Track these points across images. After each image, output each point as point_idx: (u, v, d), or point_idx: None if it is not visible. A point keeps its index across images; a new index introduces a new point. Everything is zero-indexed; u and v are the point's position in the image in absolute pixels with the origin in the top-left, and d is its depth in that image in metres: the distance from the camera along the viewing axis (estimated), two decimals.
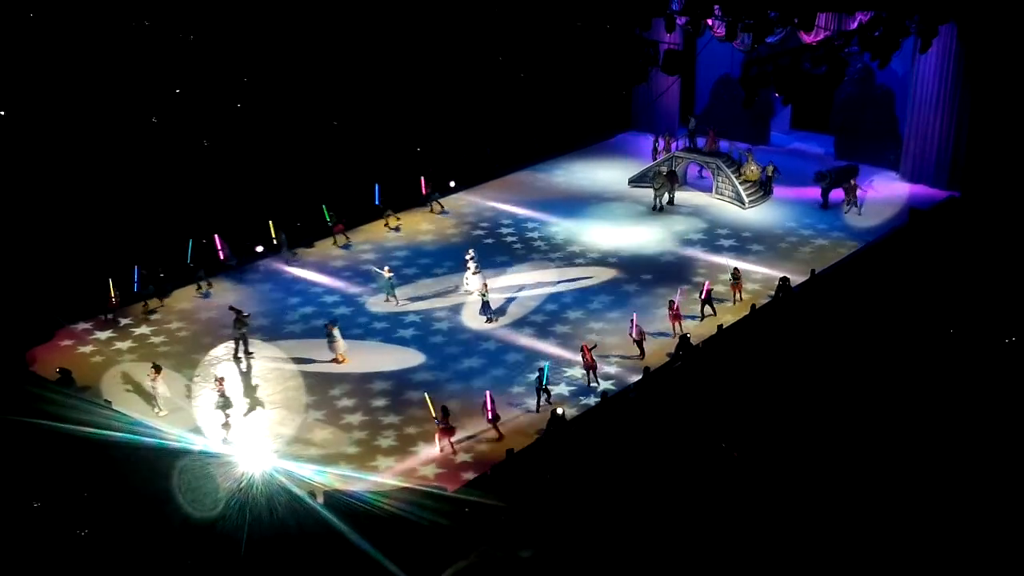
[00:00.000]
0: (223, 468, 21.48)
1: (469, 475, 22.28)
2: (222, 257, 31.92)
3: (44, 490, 21.05)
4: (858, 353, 26.36)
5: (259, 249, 33.09)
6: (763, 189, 38.65)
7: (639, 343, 26.95)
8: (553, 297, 30.90)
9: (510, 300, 30.60)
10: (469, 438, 23.76)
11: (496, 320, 29.17)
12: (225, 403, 24.01)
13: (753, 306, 29.21)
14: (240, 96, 36.34)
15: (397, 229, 36.08)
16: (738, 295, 30.03)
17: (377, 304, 30.51)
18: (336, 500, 20.55)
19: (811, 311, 28.87)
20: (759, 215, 37.44)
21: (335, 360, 26.99)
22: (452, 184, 39.35)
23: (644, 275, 32.40)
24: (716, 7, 36.20)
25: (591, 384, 25.67)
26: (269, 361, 27.33)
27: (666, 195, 38.19)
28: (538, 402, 24.68)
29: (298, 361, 27.26)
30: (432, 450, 23.29)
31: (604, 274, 32.59)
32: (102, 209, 31.88)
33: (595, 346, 26.10)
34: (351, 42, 38.25)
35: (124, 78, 33.44)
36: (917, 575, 19.14)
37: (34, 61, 31.90)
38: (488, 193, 40.05)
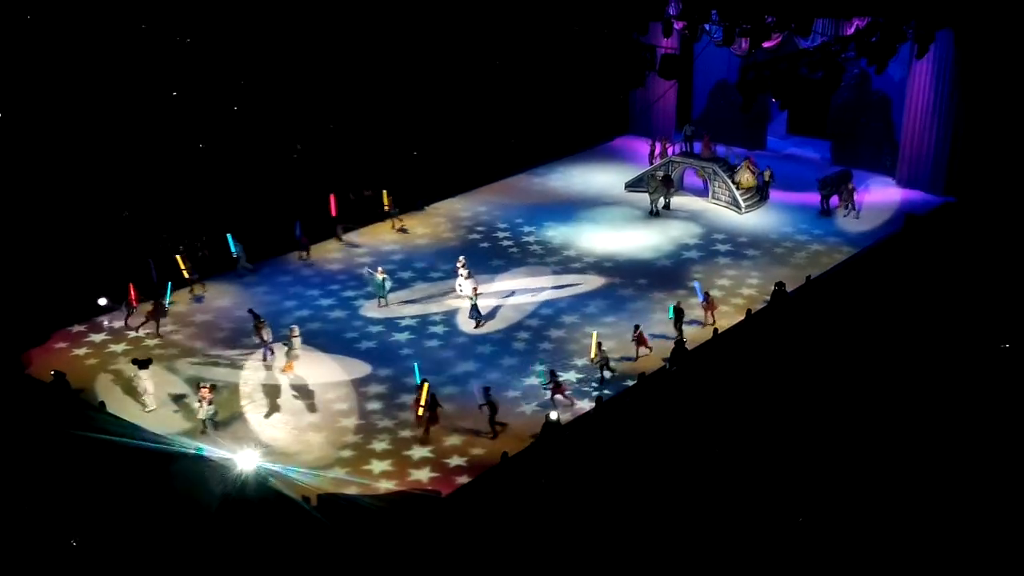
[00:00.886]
0: (217, 470, 21.47)
1: (463, 479, 22.25)
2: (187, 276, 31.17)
3: (40, 495, 21.03)
4: (854, 358, 26.38)
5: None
6: (760, 194, 38.67)
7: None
8: (548, 301, 30.89)
9: (498, 307, 30.55)
10: (464, 440, 23.77)
11: (483, 323, 29.09)
12: (212, 411, 23.84)
13: (749, 311, 29.21)
14: (234, 99, 36.32)
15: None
16: (710, 316, 28.79)
17: (371, 309, 30.47)
18: (330, 503, 20.51)
19: (807, 316, 28.88)
20: (755, 220, 37.46)
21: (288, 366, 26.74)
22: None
23: (640, 279, 32.40)
24: (713, 12, 36.25)
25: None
26: (264, 365, 27.32)
27: (662, 200, 38.21)
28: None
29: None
30: (424, 451, 23.32)
31: (600, 278, 32.58)
32: (96, 211, 31.86)
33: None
34: (346, 46, 38.23)
35: (119, 80, 33.41)
36: None
37: (29, 64, 31.87)
38: (484, 197, 40.05)
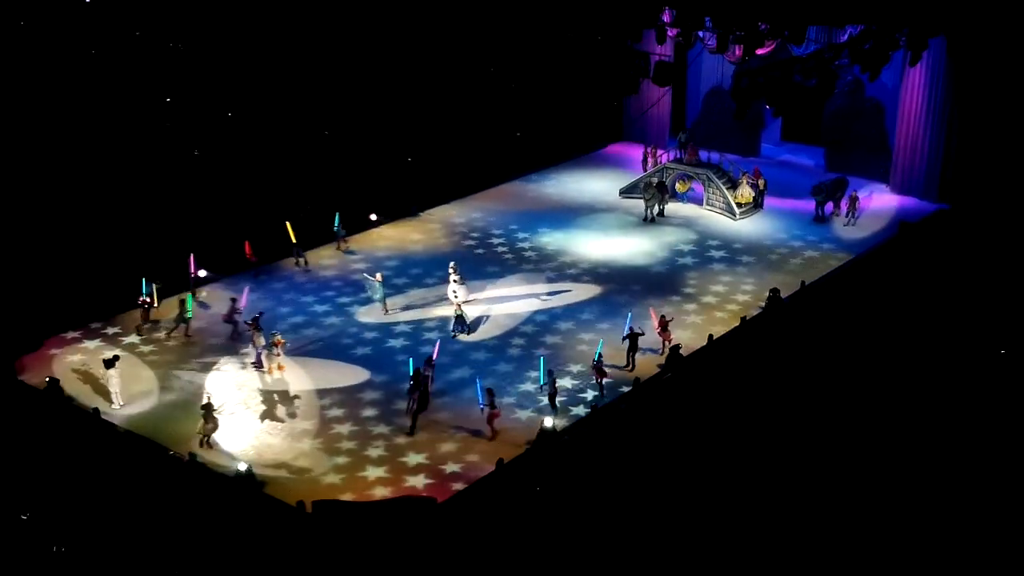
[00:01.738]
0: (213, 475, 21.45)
1: (458, 485, 22.22)
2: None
3: (33, 500, 20.97)
4: (848, 365, 26.42)
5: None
6: (755, 201, 38.74)
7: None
8: (543, 308, 30.89)
9: (492, 314, 30.56)
10: (459, 447, 23.75)
11: (467, 334, 29.00)
12: (210, 423, 23.69)
13: (743, 318, 29.24)
14: (229, 105, 36.35)
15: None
16: (667, 344, 27.37)
17: (367, 314, 30.44)
18: (325, 510, 20.47)
19: (801, 323, 28.93)
20: (750, 226, 37.52)
21: (271, 369, 26.86)
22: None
23: (634, 286, 32.42)
24: (707, 19, 36.34)
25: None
26: (256, 370, 27.28)
27: (656, 206, 38.26)
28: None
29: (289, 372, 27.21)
30: (419, 457, 23.31)
31: (595, 285, 32.60)
32: (92, 217, 31.82)
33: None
34: (341, 53, 38.29)
35: (112, 86, 33.43)
36: None
37: (22, 70, 31.88)
38: (478, 204, 40.04)
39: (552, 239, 36.44)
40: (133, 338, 28.85)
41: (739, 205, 38.02)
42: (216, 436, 23.75)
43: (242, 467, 21.83)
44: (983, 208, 36.06)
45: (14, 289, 28.47)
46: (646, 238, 36.56)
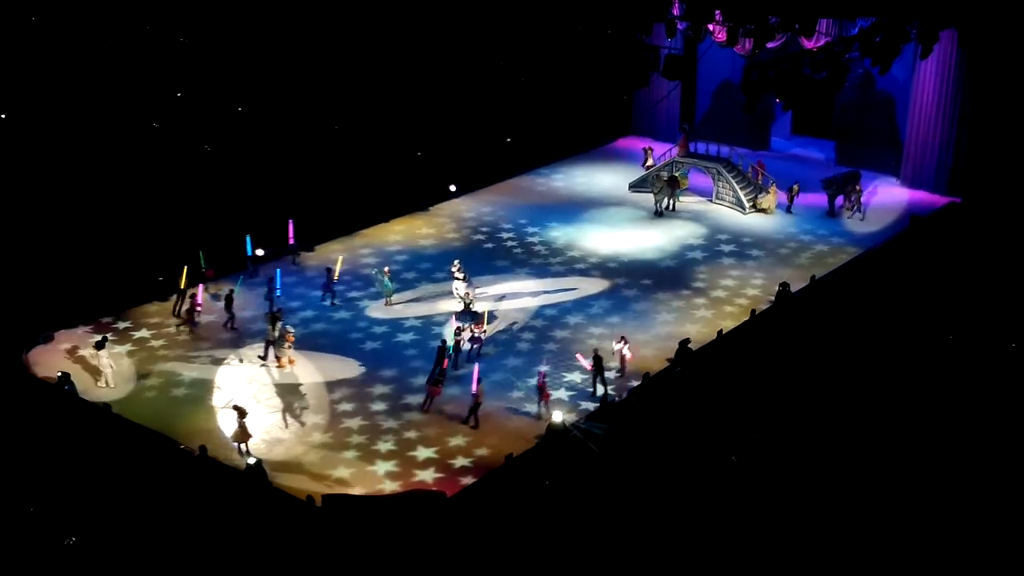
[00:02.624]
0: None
1: (468, 480, 22.26)
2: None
3: (42, 494, 21.05)
4: (859, 359, 26.33)
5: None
6: (789, 211, 38.11)
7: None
8: (552, 302, 30.87)
9: (501, 308, 30.54)
10: (469, 441, 23.78)
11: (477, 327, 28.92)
12: (242, 435, 23.48)
13: (753, 311, 29.19)
14: (239, 100, 36.37)
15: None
16: (624, 367, 26.33)
17: (375, 309, 30.48)
18: (334, 504, 20.51)
19: (811, 317, 28.85)
20: (759, 220, 37.45)
21: (282, 363, 27.02)
22: (452, 188, 39.34)
23: (644, 280, 32.39)
24: (717, 12, 36.23)
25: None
26: (265, 364, 27.35)
27: (666, 200, 38.20)
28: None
29: (298, 366, 27.27)
30: (428, 452, 23.35)
31: (604, 279, 32.57)
32: (101, 212, 31.91)
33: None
34: (350, 47, 38.29)
35: (123, 81, 33.49)
36: None
37: (31, 67, 31.94)
38: (488, 198, 40.06)
39: (562, 233, 36.42)
40: (143, 332, 28.95)
41: (762, 210, 37.60)
42: (226, 430, 23.82)
43: (252, 461, 21.90)
44: (994, 201, 35.91)
45: (26, 284, 28.57)
46: (656, 232, 36.51)
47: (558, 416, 23.33)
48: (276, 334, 27.24)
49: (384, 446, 23.71)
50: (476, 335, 27.06)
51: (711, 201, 39.17)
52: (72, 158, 32.23)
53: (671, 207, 38.31)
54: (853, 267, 32.96)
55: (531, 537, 19.75)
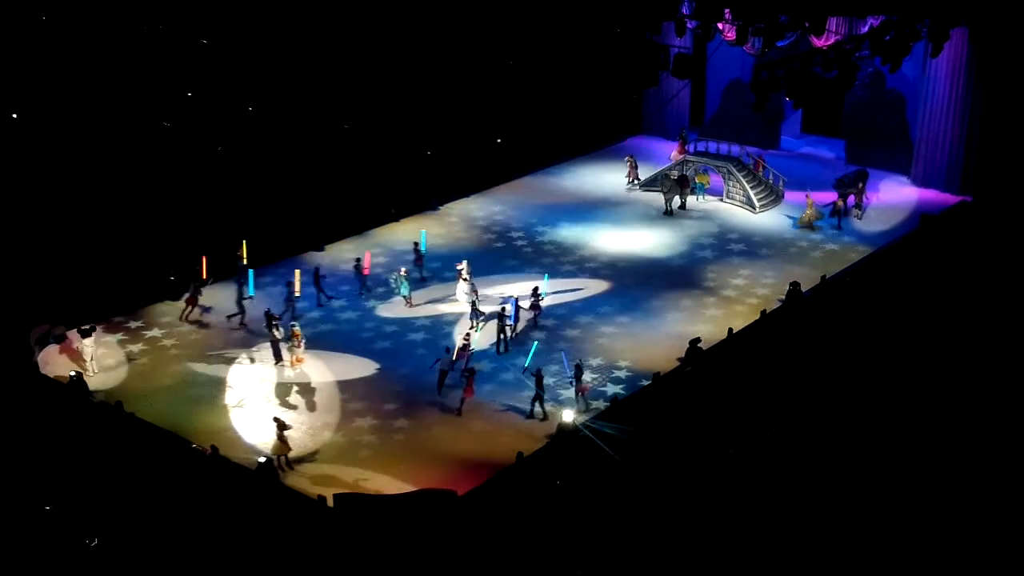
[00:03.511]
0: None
1: (479, 479, 22.27)
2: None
3: (55, 493, 21.16)
4: (869, 358, 26.31)
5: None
6: (840, 226, 36.65)
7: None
8: (563, 301, 30.89)
9: (493, 308, 30.56)
10: (480, 440, 23.83)
11: (485, 324, 28.93)
12: (282, 447, 23.29)
13: (763, 311, 29.16)
14: (249, 100, 36.40)
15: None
16: (583, 396, 25.24)
17: (386, 309, 30.54)
18: (345, 502, 20.58)
19: (822, 316, 28.83)
20: (769, 219, 37.42)
21: (292, 362, 27.15)
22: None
23: (654, 279, 32.39)
24: (727, 11, 36.22)
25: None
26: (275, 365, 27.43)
27: (676, 199, 38.19)
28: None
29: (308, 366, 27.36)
30: (439, 450, 23.39)
31: (614, 278, 32.58)
32: (113, 212, 31.97)
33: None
34: (361, 47, 38.30)
35: (135, 81, 33.55)
36: None
37: (43, 65, 32.03)
38: (498, 197, 40.09)
39: (571, 233, 36.44)
40: (155, 331, 29.05)
41: (807, 227, 36.83)
42: (238, 429, 23.91)
43: (263, 460, 21.98)
44: (1005, 200, 35.82)
45: (39, 283, 28.69)
46: (666, 231, 36.51)
47: (568, 415, 23.37)
48: (279, 334, 27.31)
49: (395, 445, 23.77)
50: (465, 342, 26.56)
51: (721, 200, 39.14)
52: (83, 158, 32.27)
53: (682, 205, 38.29)
54: (864, 266, 32.91)
55: (542, 536, 19.80)
